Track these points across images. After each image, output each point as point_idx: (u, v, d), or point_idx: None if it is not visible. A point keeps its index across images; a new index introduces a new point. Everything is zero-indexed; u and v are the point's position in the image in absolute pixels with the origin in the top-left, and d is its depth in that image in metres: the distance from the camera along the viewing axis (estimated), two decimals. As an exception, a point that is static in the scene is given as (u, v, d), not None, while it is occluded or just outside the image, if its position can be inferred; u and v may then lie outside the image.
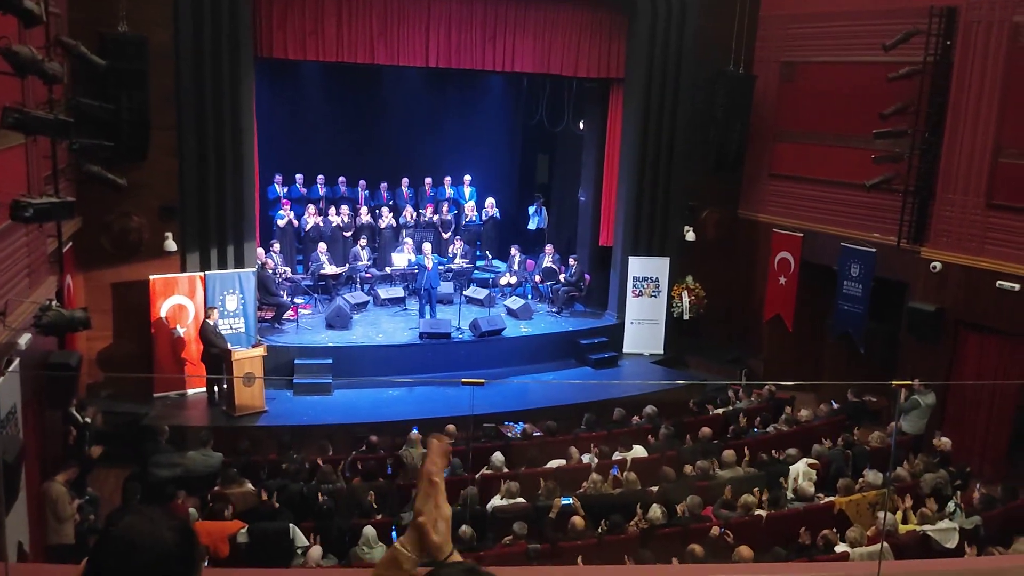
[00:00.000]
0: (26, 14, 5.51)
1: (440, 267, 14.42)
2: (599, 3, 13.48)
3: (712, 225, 14.34)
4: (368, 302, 14.55)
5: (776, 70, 13.39)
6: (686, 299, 14.07)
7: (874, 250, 11.85)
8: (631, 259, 14.17)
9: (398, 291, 14.93)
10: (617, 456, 9.52)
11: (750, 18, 13.50)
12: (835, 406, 11.09)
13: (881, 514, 8.14)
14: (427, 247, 14.24)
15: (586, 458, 9.56)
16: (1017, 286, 10.06)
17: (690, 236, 14.20)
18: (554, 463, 9.41)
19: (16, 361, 6.30)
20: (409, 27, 12.75)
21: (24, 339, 6.68)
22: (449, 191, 16.74)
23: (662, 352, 14.28)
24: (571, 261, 15.19)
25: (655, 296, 14.19)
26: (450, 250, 15.67)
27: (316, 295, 14.45)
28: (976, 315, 10.68)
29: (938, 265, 10.90)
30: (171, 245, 11.35)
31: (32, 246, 7.45)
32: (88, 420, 9.04)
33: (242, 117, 11.68)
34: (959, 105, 10.67)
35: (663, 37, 13.51)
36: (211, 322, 11.29)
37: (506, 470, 9.18)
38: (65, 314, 6.63)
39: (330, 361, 12.42)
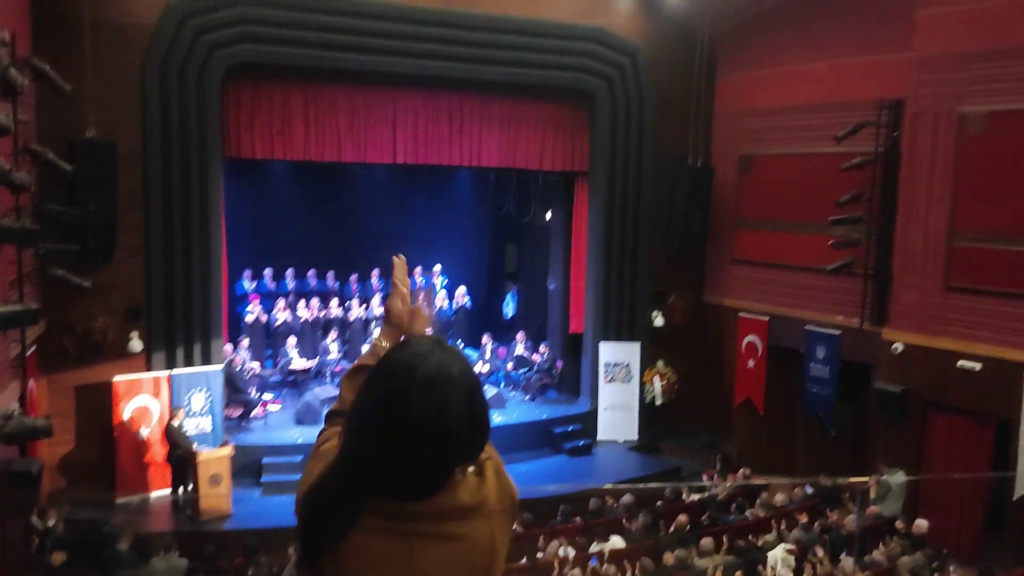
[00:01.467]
0: (-7, 127, 5.59)
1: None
2: (561, 99, 13.93)
3: (679, 310, 14.53)
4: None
5: (733, 162, 13.84)
6: (658, 384, 14.11)
7: (838, 332, 12.05)
8: (602, 345, 14.26)
9: (369, 384, 14.79)
10: (595, 548, 9.36)
11: (705, 113, 14.04)
12: (809, 490, 11.06)
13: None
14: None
15: (563, 551, 9.39)
16: (978, 365, 10.23)
17: (659, 321, 14.36)
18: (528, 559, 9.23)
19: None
20: (376, 124, 13.04)
21: (-18, 449, 6.51)
22: (420, 280, 16.83)
23: (636, 438, 14.23)
24: (542, 348, 15.24)
25: (627, 381, 14.23)
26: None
27: (285, 390, 14.28)
28: (941, 395, 10.81)
29: (900, 346, 11.09)
30: (136, 345, 11.23)
31: (-7, 353, 7.35)
32: (50, 527, 8.75)
33: (210, 215, 11.76)
34: (911, 192, 11.06)
35: (623, 132, 13.95)
36: (176, 423, 11.09)
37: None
38: (27, 423, 6.50)
39: (300, 458, 12.18)
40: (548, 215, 16.21)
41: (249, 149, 12.23)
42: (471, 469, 1.55)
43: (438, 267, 17.04)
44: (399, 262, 1.98)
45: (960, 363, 10.39)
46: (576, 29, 13.29)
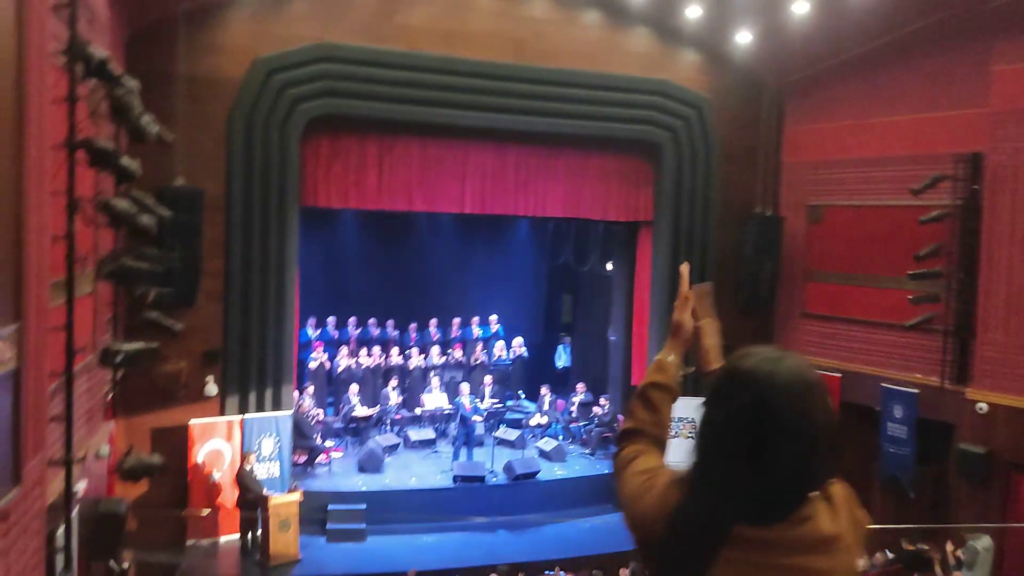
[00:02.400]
0: (122, 171, 5.81)
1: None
2: (626, 151, 14.04)
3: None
4: (399, 444, 14.40)
5: (803, 212, 13.75)
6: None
7: (916, 391, 11.77)
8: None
9: (428, 433, 14.82)
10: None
11: (774, 163, 14.03)
12: (890, 555, 10.70)
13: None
14: (465, 387, 14.22)
15: (637, 610, 9.18)
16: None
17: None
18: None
19: (76, 510, 6.22)
20: (445, 175, 13.26)
21: (80, 486, 6.61)
22: (477, 331, 16.89)
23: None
24: (603, 401, 15.11)
25: (692, 437, 13.97)
26: (481, 391, 15.64)
27: (348, 437, 14.32)
28: (1026, 456, 10.47)
29: (984, 407, 10.79)
30: (212, 389, 11.40)
31: (92, 392, 7.51)
32: (124, 568, 8.80)
33: (286, 263, 11.99)
34: (992, 246, 10.88)
35: (689, 182, 13.98)
36: (248, 467, 11.16)
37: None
38: (144, 459, 6.60)
39: (364, 507, 12.17)
40: (609, 265, 16.22)
41: (325, 198, 12.51)
42: (821, 498, 1.50)
43: (494, 317, 17.10)
44: (685, 270, 1.95)
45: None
46: (642, 82, 13.44)
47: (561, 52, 13.02)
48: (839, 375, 12.93)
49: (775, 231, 13.82)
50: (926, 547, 10.98)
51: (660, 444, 1.78)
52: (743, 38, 12.90)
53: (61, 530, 5.85)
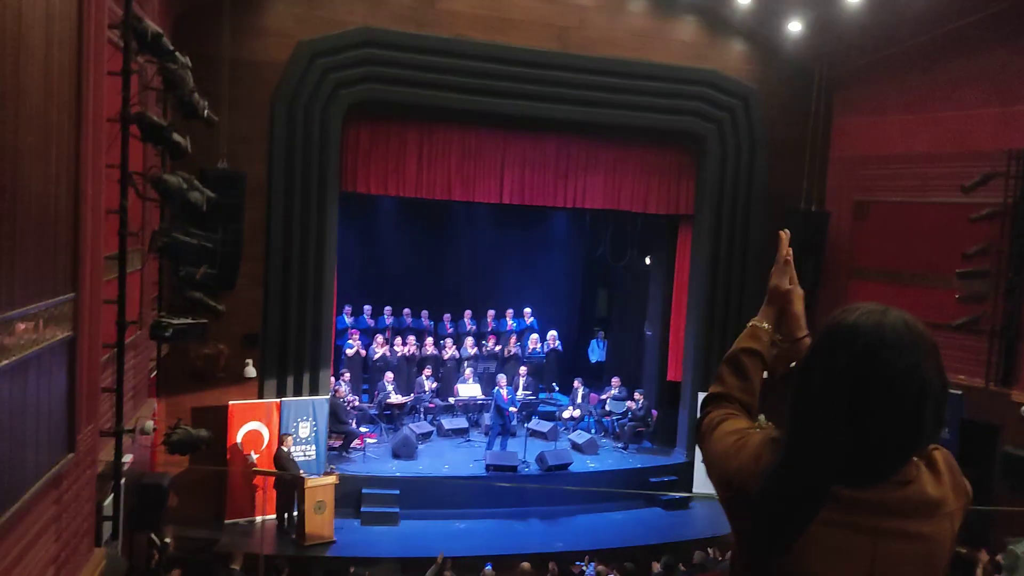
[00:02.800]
0: (174, 146, 5.86)
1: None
2: (669, 143, 13.91)
3: (781, 361, 14.11)
4: (432, 432, 14.44)
5: (849, 208, 13.52)
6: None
7: (960, 392, 11.52)
8: (701, 395, 13.94)
9: (461, 422, 14.83)
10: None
11: (820, 157, 13.80)
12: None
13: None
14: (502, 379, 14.22)
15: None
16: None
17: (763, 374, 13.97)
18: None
19: (123, 481, 6.30)
20: (485, 166, 13.24)
21: (127, 458, 6.70)
22: (511, 323, 16.86)
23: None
24: (637, 396, 15.02)
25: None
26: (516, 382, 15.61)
27: (382, 424, 14.39)
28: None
29: (1028, 408, 10.56)
30: (251, 372, 11.49)
31: (138, 368, 7.60)
32: (166, 542, 8.93)
33: (325, 249, 12.06)
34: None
35: (732, 175, 13.81)
36: (285, 449, 11.25)
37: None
38: (192, 433, 6.67)
39: (397, 492, 12.22)
40: (648, 259, 16.09)
41: (364, 184, 12.55)
42: (923, 462, 1.46)
43: (528, 310, 17.05)
44: (785, 236, 1.89)
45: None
46: (689, 72, 13.29)
47: (606, 40, 12.91)
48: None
49: (820, 226, 13.59)
50: (964, 550, 10.77)
51: (748, 410, 1.74)
52: (794, 27, 12.69)
53: (109, 500, 5.93)
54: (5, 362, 3.68)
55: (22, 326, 3.90)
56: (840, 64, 13.47)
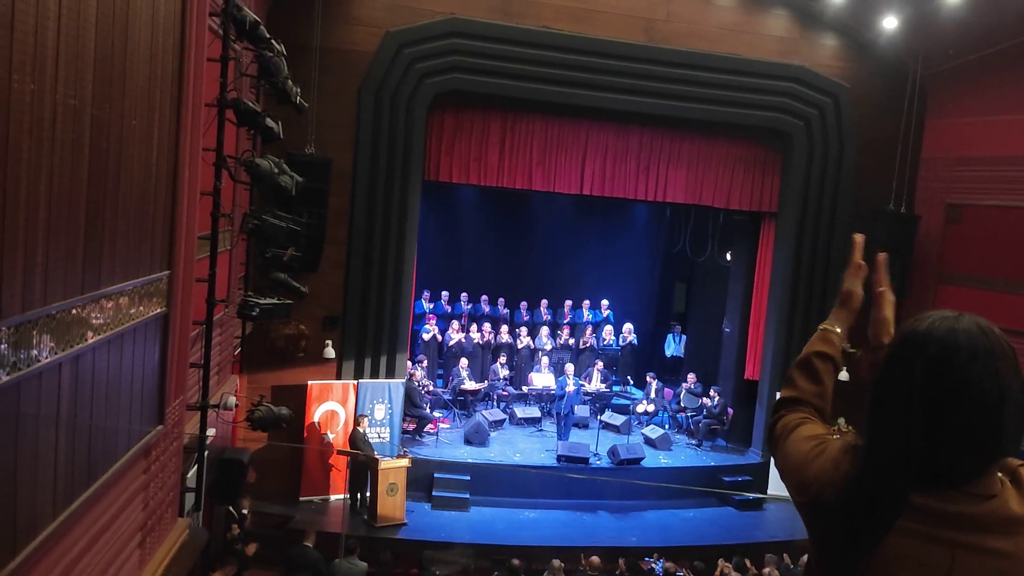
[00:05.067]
0: (267, 131, 6.05)
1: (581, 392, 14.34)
2: (754, 138, 13.62)
3: (867, 366, 13.68)
4: (505, 420, 14.54)
5: (940, 211, 13.00)
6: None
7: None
8: (778, 395, 13.63)
9: (534, 411, 14.89)
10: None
11: (912, 158, 13.31)
12: None
13: None
14: (569, 368, 14.22)
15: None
16: None
17: (843, 376, 13.56)
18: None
19: (206, 454, 6.56)
20: (567, 157, 13.22)
21: (210, 432, 6.97)
22: (587, 315, 16.82)
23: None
24: (713, 393, 14.81)
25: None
26: (589, 373, 15.59)
27: (455, 409, 14.57)
28: None
29: None
30: (330, 352, 11.79)
31: (223, 345, 7.90)
32: (244, 514, 9.25)
33: (406, 235, 12.25)
34: None
35: (819, 174, 13.44)
36: (361, 430, 11.51)
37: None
38: (275, 411, 6.91)
39: (468, 477, 12.36)
40: (728, 256, 15.82)
41: (447, 173, 12.69)
42: (1008, 478, 1.43)
43: (605, 302, 16.98)
44: (860, 239, 1.89)
45: None
46: (778, 67, 12.97)
47: (693, 34, 12.71)
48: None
49: (909, 229, 13.11)
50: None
51: (822, 415, 1.72)
52: (889, 23, 12.24)
53: (192, 472, 6.18)
54: (105, 335, 3.88)
55: (122, 300, 4.09)
56: (936, 63, 12.93)
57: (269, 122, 6.08)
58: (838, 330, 1.78)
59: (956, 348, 1.35)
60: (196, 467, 6.20)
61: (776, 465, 1.68)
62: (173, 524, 5.52)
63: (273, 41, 6.20)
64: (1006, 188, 12.03)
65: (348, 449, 11.36)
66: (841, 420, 13.39)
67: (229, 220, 7.45)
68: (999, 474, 1.41)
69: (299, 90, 6.92)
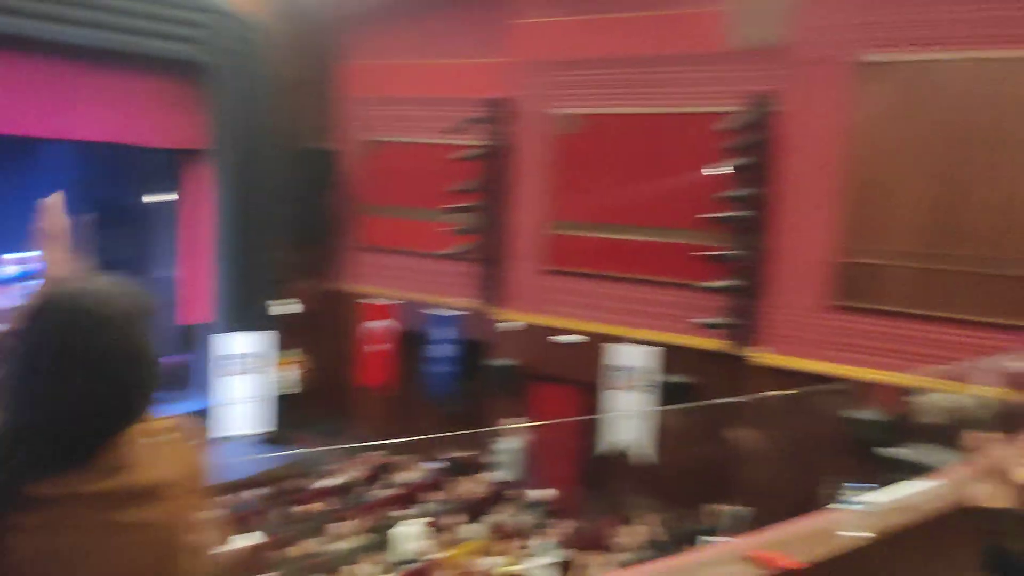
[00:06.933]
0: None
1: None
2: (171, 73, 12.82)
3: (307, 298, 14.31)
4: None
5: (360, 147, 14.05)
6: (290, 373, 13.79)
7: (459, 314, 12.88)
8: (225, 336, 13.46)
9: None
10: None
11: (331, 97, 14.02)
12: (439, 465, 11.71)
13: (482, 559, 8.77)
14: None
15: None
16: (569, 339, 11.58)
17: (287, 310, 13.99)
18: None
19: None
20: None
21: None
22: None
23: (269, 430, 13.71)
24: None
25: (257, 372, 13.61)
26: None
27: None
28: (544, 367, 11.98)
29: (512, 324, 12.20)
30: None
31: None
32: None
33: None
34: (518, 184, 12.30)
35: (244, 112, 13.28)
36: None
37: None
38: None
39: None
40: (155, 197, 14.89)
41: None
42: (146, 441, 1.35)
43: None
44: (55, 200, 1.79)
45: (550, 338, 11.69)
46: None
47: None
48: (391, 303, 13.66)
49: (330, 165, 13.92)
50: (463, 454, 12.18)
51: None
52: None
53: None
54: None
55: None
56: (350, 8, 13.73)
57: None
58: None
59: (85, 311, 1.28)
60: None
61: None
62: None
63: None
64: (408, 126, 13.52)
65: None
66: (294, 350, 13.78)
67: None
68: (134, 441, 1.33)
69: None
